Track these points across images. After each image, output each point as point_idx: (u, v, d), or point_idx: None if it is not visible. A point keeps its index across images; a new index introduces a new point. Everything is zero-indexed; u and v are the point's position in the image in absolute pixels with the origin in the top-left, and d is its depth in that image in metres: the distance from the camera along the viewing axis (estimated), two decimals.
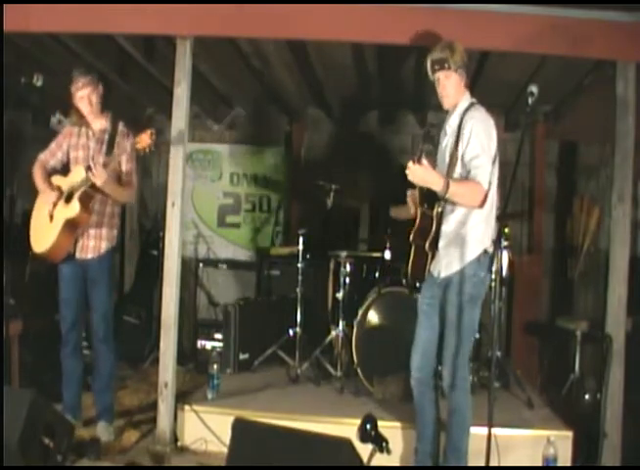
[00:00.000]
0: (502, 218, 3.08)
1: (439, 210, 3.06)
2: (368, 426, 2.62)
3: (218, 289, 5.81)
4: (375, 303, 4.27)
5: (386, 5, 3.54)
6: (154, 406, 3.78)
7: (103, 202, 3.68)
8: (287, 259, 5.36)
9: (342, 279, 4.60)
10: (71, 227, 3.58)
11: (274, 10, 3.56)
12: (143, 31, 3.82)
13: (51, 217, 3.61)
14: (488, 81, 4.46)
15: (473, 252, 3.04)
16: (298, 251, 4.68)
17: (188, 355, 5.42)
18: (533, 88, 2.76)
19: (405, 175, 2.94)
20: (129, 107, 5.68)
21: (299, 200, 6.13)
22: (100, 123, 3.74)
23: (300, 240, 4.66)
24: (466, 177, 3.02)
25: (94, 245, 3.69)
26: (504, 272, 4.40)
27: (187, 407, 3.75)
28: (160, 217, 5.49)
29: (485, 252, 3.04)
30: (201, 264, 5.91)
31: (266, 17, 3.59)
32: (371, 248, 5.43)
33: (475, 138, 2.98)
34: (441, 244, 3.09)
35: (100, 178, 3.44)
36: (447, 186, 2.91)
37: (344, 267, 4.62)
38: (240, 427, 2.67)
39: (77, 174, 3.59)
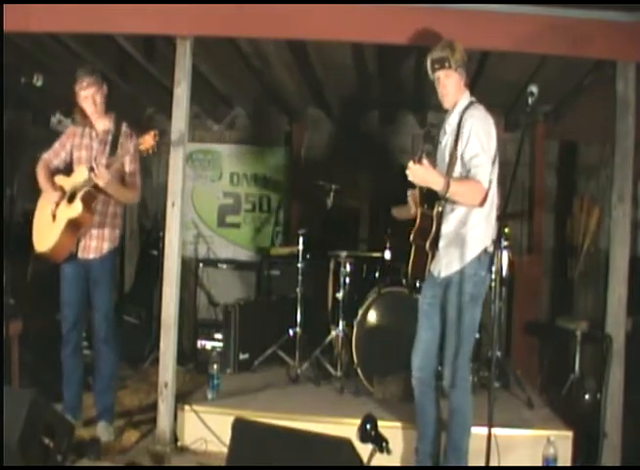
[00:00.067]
0: (502, 218, 3.08)
1: (439, 209, 3.06)
2: (368, 426, 2.62)
3: (218, 289, 5.80)
4: (375, 303, 4.27)
5: (386, 5, 3.53)
6: (154, 406, 3.78)
7: (105, 202, 3.68)
8: (287, 259, 5.36)
9: (342, 279, 4.60)
10: (74, 227, 3.58)
11: (274, 10, 3.56)
12: (143, 31, 3.82)
13: (54, 217, 3.61)
14: (488, 81, 4.46)
15: (473, 251, 3.04)
16: (298, 251, 4.68)
17: (188, 355, 5.42)
18: (533, 88, 2.76)
19: (405, 175, 2.94)
20: (129, 107, 5.68)
21: (299, 200, 6.13)
22: (103, 124, 3.74)
23: (300, 240, 4.66)
24: (466, 176, 3.02)
25: (96, 245, 3.69)
26: (504, 272, 4.40)
27: (187, 407, 3.75)
28: (159, 217, 5.48)
29: (486, 250, 3.04)
30: (201, 264, 5.91)
31: (266, 17, 3.59)
32: (371, 248, 5.42)
33: (474, 137, 2.98)
34: (442, 243, 3.09)
35: (102, 179, 3.44)
36: (448, 186, 2.91)
37: (344, 267, 4.62)
38: (240, 427, 2.67)
39: (80, 174, 3.59)
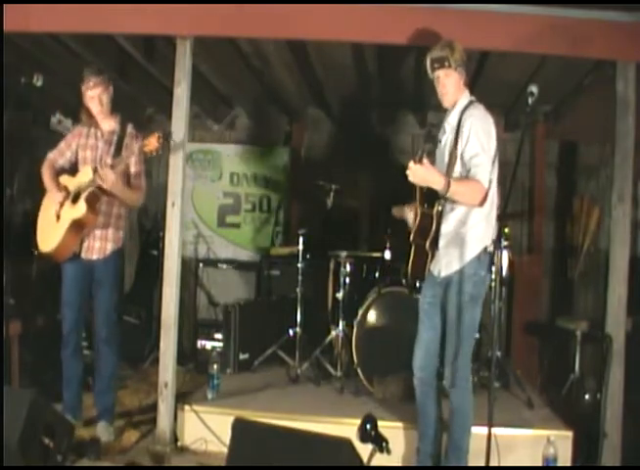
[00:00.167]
0: (502, 218, 3.08)
1: (439, 208, 3.06)
2: (368, 426, 2.62)
3: (218, 289, 5.80)
4: (375, 303, 4.27)
5: (386, 5, 3.54)
6: (154, 406, 3.78)
7: (109, 203, 3.67)
8: (287, 259, 5.36)
9: (342, 279, 4.60)
10: (78, 228, 3.58)
11: (274, 10, 3.56)
12: (143, 31, 3.82)
13: (58, 217, 3.61)
14: (488, 81, 4.46)
15: (473, 250, 3.04)
16: (298, 251, 4.68)
17: (188, 355, 5.42)
18: (533, 88, 2.75)
19: (405, 175, 2.94)
20: (129, 107, 5.68)
21: (299, 200, 6.13)
22: (109, 124, 3.73)
23: (300, 240, 4.66)
24: (466, 176, 3.02)
25: (100, 246, 3.68)
26: (504, 272, 4.40)
27: (187, 407, 3.75)
28: (159, 217, 5.48)
29: (486, 250, 3.03)
30: (201, 264, 5.91)
31: (266, 17, 3.59)
32: (371, 248, 5.42)
33: (474, 136, 2.98)
34: (441, 243, 3.09)
35: (107, 180, 3.44)
36: (448, 185, 2.90)
37: (344, 267, 4.63)
38: (240, 427, 2.67)
39: (85, 175, 3.59)
